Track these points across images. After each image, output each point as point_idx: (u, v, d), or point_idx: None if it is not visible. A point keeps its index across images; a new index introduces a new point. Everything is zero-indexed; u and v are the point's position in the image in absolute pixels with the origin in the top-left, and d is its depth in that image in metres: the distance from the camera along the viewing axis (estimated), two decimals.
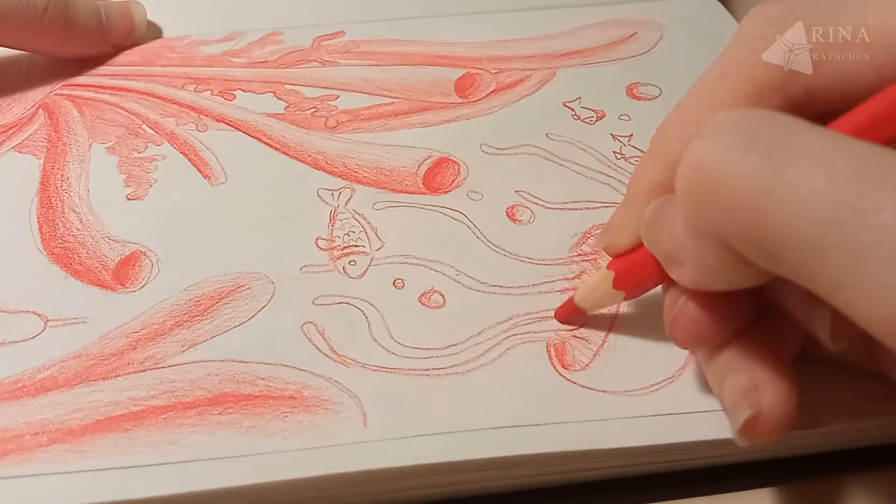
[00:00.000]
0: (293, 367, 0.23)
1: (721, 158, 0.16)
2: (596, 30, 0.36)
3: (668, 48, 0.35)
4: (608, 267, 0.24)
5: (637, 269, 0.23)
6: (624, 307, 0.25)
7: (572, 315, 0.25)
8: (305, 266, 0.26)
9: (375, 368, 0.24)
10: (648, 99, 0.32)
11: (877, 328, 0.15)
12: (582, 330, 0.25)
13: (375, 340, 0.24)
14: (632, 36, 0.35)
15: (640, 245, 0.23)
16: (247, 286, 0.26)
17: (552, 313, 0.25)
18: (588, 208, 0.28)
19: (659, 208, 0.21)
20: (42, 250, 0.27)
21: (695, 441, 0.22)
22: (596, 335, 0.25)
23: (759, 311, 0.21)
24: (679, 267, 0.20)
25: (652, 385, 0.23)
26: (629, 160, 0.30)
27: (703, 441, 0.22)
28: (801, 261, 0.15)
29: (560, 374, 0.24)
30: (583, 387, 0.23)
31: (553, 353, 0.24)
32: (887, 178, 0.15)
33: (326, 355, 0.24)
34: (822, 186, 0.15)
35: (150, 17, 0.36)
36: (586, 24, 0.36)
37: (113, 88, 0.33)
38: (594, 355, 0.24)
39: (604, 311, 0.25)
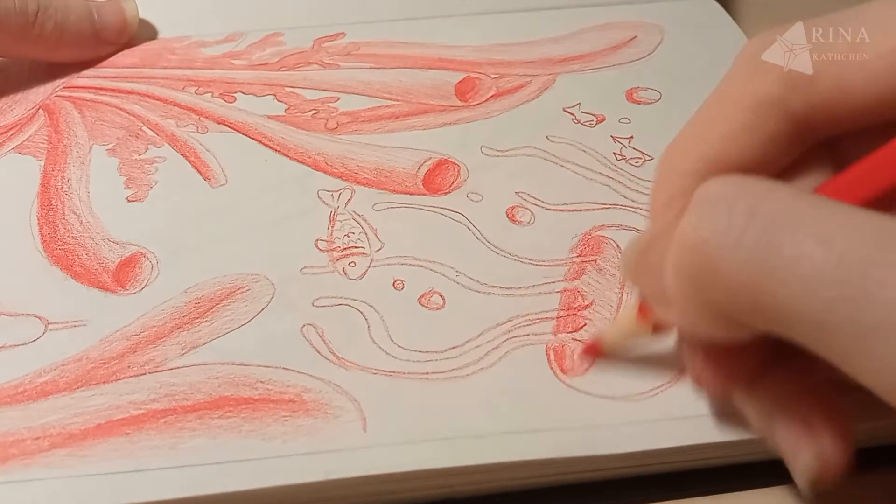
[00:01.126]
0: (293, 371, 0.23)
1: (719, 239, 0.16)
2: (597, 33, 0.35)
3: (668, 51, 0.35)
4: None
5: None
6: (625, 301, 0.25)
7: (598, 353, 0.24)
8: (305, 267, 0.26)
9: (375, 372, 0.23)
10: (649, 103, 0.32)
11: (888, 397, 0.15)
12: (582, 332, 0.25)
13: (375, 343, 0.24)
14: (632, 39, 0.35)
15: None
16: (246, 288, 0.25)
17: (552, 314, 0.25)
18: (589, 209, 0.28)
19: (640, 253, 0.20)
20: (42, 252, 0.26)
21: (693, 445, 0.22)
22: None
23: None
24: (665, 308, 0.19)
25: (651, 390, 0.23)
26: (629, 161, 0.30)
27: (701, 444, 0.22)
28: (808, 334, 0.16)
29: (559, 379, 0.23)
30: (582, 392, 0.23)
31: (553, 356, 0.24)
32: (889, 251, 0.15)
33: (326, 358, 0.24)
34: (824, 266, 0.15)
35: (150, 17, 0.36)
36: (587, 27, 0.36)
37: (113, 90, 0.33)
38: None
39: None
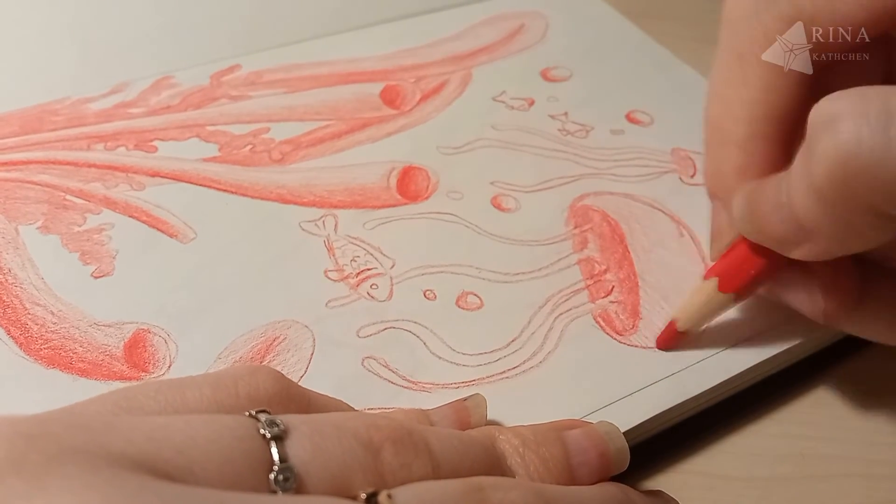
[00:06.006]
0: (380, 409, 0.20)
1: (870, 143, 0.16)
2: (487, 27, 0.35)
3: (558, 33, 0.35)
4: (705, 276, 0.22)
5: (740, 264, 0.21)
6: (638, 266, 0.25)
7: (675, 340, 0.23)
8: (330, 301, 0.23)
9: (457, 385, 0.21)
10: (564, 79, 0.32)
11: None
12: (614, 294, 0.24)
13: (440, 357, 0.22)
14: (521, 27, 0.35)
15: (737, 243, 0.22)
16: (282, 337, 0.22)
17: (580, 286, 0.24)
18: (562, 184, 0.28)
19: (752, 198, 0.20)
20: (26, 356, 0.21)
21: (760, 362, 0.23)
22: (628, 297, 0.24)
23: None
24: (799, 246, 0.19)
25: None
26: (574, 134, 0.30)
27: (768, 359, 0.23)
28: None
29: (619, 342, 0.23)
30: (642, 347, 0.23)
31: (602, 323, 0.23)
32: None
33: (404, 387, 0.21)
34: None
35: (14, 84, 0.29)
36: (476, 22, 0.35)
37: (7, 163, 0.26)
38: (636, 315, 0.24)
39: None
